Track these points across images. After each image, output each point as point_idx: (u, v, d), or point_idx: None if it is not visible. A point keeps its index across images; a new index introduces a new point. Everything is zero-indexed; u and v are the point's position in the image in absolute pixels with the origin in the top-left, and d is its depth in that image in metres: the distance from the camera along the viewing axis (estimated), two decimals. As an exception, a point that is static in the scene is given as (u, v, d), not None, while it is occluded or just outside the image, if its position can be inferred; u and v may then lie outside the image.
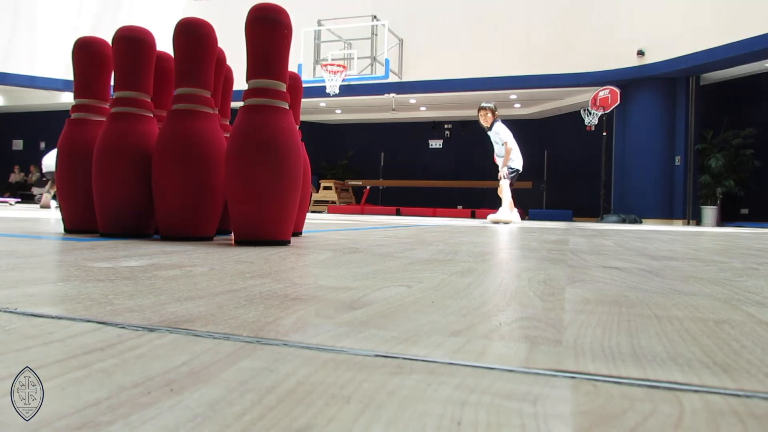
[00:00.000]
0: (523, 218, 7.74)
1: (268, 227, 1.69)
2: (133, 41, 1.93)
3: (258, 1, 1.76)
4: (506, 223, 6.28)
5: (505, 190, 6.60)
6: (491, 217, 6.55)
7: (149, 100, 1.97)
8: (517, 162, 6.79)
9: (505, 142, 6.69)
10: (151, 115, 1.96)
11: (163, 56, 2.12)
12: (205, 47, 1.86)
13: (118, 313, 0.61)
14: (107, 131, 1.87)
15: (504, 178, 6.64)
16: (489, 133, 6.97)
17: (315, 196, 13.62)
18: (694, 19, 9.67)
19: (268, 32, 1.74)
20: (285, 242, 1.74)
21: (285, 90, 1.78)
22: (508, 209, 6.48)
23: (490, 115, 6.84)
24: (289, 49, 1.79)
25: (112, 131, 1.87)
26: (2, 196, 11.13)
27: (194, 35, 1.84)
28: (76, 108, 2.06)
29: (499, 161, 6.88)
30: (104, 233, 1.88)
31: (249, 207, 1.67)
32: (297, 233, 2.28)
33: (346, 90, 12.13)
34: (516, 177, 6.88)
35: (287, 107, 1.77)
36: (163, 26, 13.27)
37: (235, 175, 1.68)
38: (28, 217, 3.77)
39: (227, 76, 2.30)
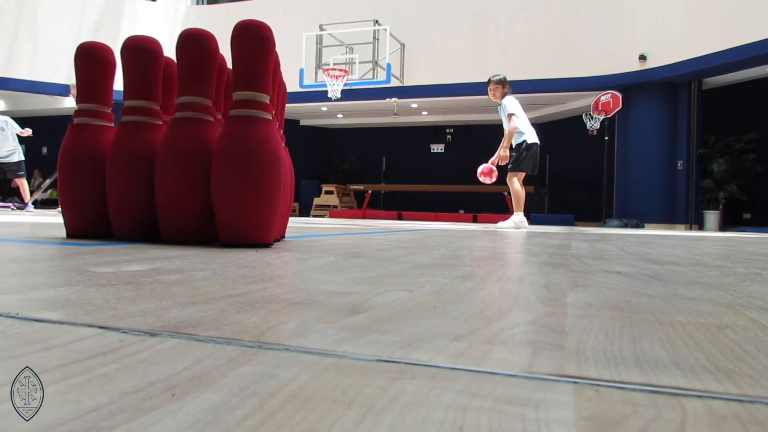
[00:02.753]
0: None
1: (248, 231, 1.77)
2: (141, 51, 1.99)
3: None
4: (517, 228, 5.59)
5: (516, 187, 5.78)
6: (503, 224, 5.80)
7: (158, 108, 2.04)
8: (530, 135, 5.82)
9: (511, 114, 5.73)
10: (161, 123, 2.02)
11: (169, 62, 2.15)
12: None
13: (120, 318, 0.61)
14: (120, 139, 1.94)
15: (501, 163, 5.80)
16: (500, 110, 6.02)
17: (317, 201, 13.63)
18: (696, 24, 9.68)
19: (252, 47, 1.82)
20: (266, 245, 1.82)
21: (268, 101, 1.87)
22: (521, 212, 5.74)
23: (500, 88, 5.90)
24: (271, 62, 1.88)
25: (124, 139, 1.94)
26: (4, 201, 11.15)
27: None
28: (78, 113, 2.06)
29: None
30: (120, 238, 1.94)
31: (232, 213, 1.76)
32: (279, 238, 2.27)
33: (348, 94, 12.14)
34: (534, 161, 5.82)
35: (270, 117, 1.85)
36: (164, 31, 13.31)
37: (221, 182, 1.76)
38: (30, 221, 3.78)
39: (228, 80, 2.31)
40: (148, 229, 1.94)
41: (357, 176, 15.53)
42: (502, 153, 5.80)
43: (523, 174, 5.87)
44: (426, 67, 12.05)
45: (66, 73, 12.14)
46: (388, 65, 11.39)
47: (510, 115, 5.75)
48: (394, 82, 11.89)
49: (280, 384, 0.40)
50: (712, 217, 10.75)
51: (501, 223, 5.88)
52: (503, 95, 5.91)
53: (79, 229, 2.02)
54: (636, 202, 10.69)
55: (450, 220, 11.93)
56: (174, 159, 1.83)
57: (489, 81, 5.99)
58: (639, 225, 10.25)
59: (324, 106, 13.44)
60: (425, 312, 0.71)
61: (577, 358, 0.50)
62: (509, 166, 5.85)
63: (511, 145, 5.90)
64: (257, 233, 1.79)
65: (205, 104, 1.91)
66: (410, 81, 12.19)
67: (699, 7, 9.67)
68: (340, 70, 11.47)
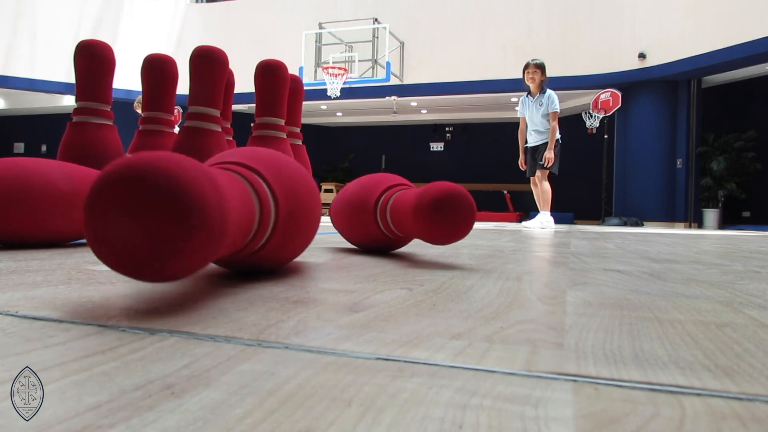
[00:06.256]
0: (522, 221, 7.46)
1: None
2: (160, 64, 2.07)
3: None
4: (543, 228, 5.37)
5: (546, 186, 5.55)
6: (530, 223, 5.60)
7: (172, 119, 2.13)
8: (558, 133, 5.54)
9: (556, 113, 5.43)
10: (174, 131, 2.12)
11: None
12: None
13: (120, 316, 0.61)
14: (139, 146, 2.05)
15: (547, 166, 5.44)
16: (526, 100, 5.70)
17: (316, 199, 13.62)
18: (695, 22, 9.68)
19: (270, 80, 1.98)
20: None
21: (283, 123, 2.01)
22: (548, 211, 5.58)
23: (539, 73, 5.53)
24: (286, 92, 2.03)
25: (145, 146, 2.04)
26: None
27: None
28: (77, 111, 2.06)
29: (536, 138, 5.65)
30: None
31: None
32: None
33: (347, 93, 12.14)
34: (559, 160, 5.58)
35: (285, 137, 2.00)
36: (164, 29, 13.27)
37: None
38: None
39: (228, 80, 2.32)
40: None
41: (356, 174, 15.53)
42: (549, 155, 5.49)
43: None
44: (425, 66, 12.05)
45: (65, 72, 12.13)
46: (388, 63, 11.38)
47: (555, 113, 5.51)
48: (394, 81, 11.90)
49: (280, 382, 0.40)
50: (711, 215, 10.76)
51: (526, 223, 5.75)
52: (542, 83, 5.56)
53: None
54: (635, 200, 10.70)
55: (449, 218, 11.91)
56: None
57: (527, 65, 5.59)
58: (638, 223, 10.25)
59: (323, 105, 13.44)
60: (424, 310, 0.71)
61: (576, 356, 0.50)
62: (541, 164, 5.58)
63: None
64: None
65: (212, 115, 1.99)
66: (410, 79, 12.19)
67: (698, 5, 9.67)
68: (340, 68, 11.47)
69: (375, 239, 1.53)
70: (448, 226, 1.23)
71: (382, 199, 1.47)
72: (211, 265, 1.14)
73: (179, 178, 0.56)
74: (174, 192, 0.56)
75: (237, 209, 0.72)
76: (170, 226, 0.56)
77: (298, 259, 1.38)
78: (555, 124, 5.51)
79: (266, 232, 0.89)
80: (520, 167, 5.93)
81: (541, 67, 5.60)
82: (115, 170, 0.56)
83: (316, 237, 2.50)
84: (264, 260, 0.96)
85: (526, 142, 5.84)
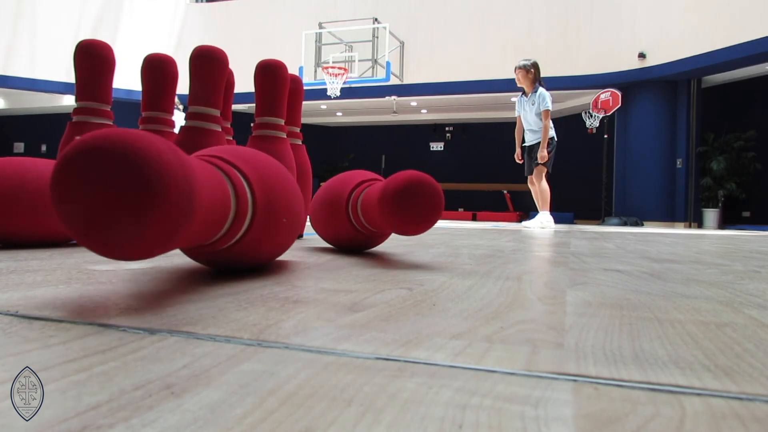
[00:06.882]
0: (522, 221, 7.45)
1: None
2: (160, 64, 2.05)
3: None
4: (543, 228, 5.32)
5: (544, 185, 5.50)
6: (529, 223, 5.53)
7: (172, 119, 2.13)
8: (553, 131, 5.53)
9: (548, 111, 5.40)
10: (174, 131, 2.10)
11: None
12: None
13: (120, 316, 0.61)
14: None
15: (541, 163, 5.41)
16: (521, 99, 5.71)
17: (316, 199, 13.63)
18: (695, 22, 9.67)
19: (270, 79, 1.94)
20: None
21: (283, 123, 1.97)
22: (547, 211, 5.54)
23: (524, 72, 5.52)
24: (286, 90, 1.99)
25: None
26: None
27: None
28: (77, 111, 2.07)
29: (531, 138, 5.64)
30: None
31: None
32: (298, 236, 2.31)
33: (347, 92, 12.13)
34: (554, 158, 5.57)
35: (285, 137, 1.95)
36: (164, 29, 13.25)
37: None
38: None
39: (229, 80, 2.32)
40: None
41: (356, 174, 15.50)
42: (543, 153, 5.47)
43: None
44: (425, 65, 12.05)
45: (65, 71, 12.12)
46: (388, 63, 11.38)
47: (547, 112, 5.48)
48: (394, 80, 11.89)
49: (280, 382, 0.40)
50: (711, 215, 10.76)
51: (526, 223, 5.74)
52: (534, 82, 5.54)
53: None
54: (635, 200, 10.70)
55: (449, 218, 11.94)
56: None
57: (517, 68, 5.61)
58: (638, 223, 10.25)
59: (323, 104, 13.43)
60: (424, 310, 0.71)
61: (576, 356, 0.50)
62: (537, 164, 5.55)
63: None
64: None
65: (212, 115, 1.98)
66: (409, 79, 12.19)
67: (698, 5, 9.66)
68: (340, 68, 11.46)
69: (349, 237, 1.54)
70: (413, 214, 1.21)
71: (353, 195, 1.47)
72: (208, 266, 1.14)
73: (140, 147, 0.57)
74: (135, 159, 0.56)
75: (208, 189, 0.72)
76: (135, 191, 0.56)
77: (298, 259, 1.38)
78: (547, 122, 5.51)
79: (244, 222, 0.90)
80: (516, 160, 5.95)
81: (526, 68, 5.60)
82: (77, 146, 0.57)
83: (316, 237, 2.50)
84: (244, 254, 0.96)
85: (524, 141, 5.86)
